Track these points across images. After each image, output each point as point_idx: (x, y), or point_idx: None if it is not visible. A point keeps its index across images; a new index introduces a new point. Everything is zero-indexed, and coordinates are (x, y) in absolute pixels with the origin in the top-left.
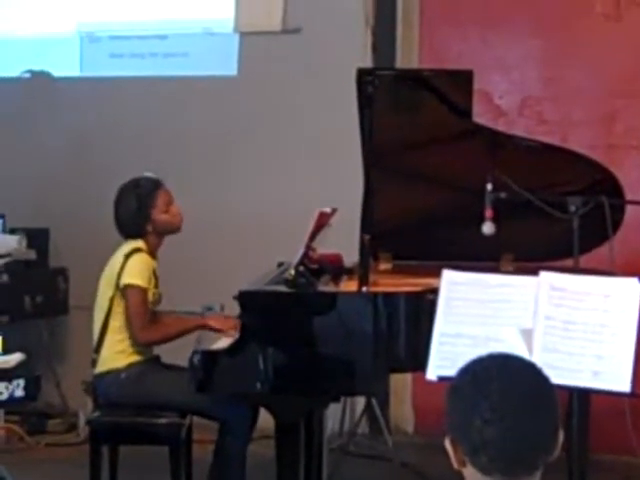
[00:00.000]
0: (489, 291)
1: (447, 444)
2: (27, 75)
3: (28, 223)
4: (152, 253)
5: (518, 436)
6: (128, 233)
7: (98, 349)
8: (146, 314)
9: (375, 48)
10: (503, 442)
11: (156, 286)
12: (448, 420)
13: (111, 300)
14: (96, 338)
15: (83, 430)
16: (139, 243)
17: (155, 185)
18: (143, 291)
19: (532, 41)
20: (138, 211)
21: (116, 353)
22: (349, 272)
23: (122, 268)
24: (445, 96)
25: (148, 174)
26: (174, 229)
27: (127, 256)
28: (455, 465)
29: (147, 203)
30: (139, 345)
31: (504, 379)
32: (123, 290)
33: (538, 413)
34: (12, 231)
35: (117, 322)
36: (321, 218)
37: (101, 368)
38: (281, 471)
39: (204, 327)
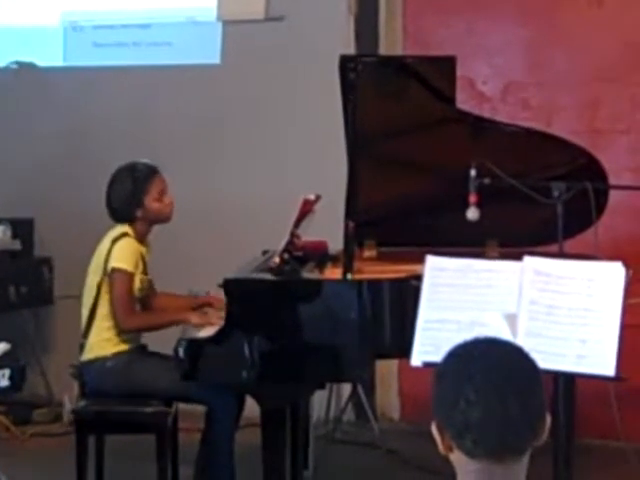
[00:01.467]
0: (473, 276)
1: (434, 429)
2: (14, 66)
3: (13, 213)
4: (140, 239)
5: (502, 419)
6: (118, 216)
7: (86, 336)
8: (130, 299)
9: (358, 35)
10: (487, 425)
11: (144, 272)
12: (434, 404)
13: (99, 286)
14: (84, 325)
15: (68, 416)
16: (126, 228)
17: (151, 171)
18: (129, 275)
19: (515, 27)
20: (131, 195)
21: (103, 341)
22: (334, 259)
23: (109, 253)
24: (428, 82)
25: (145, 160)
26: (164, 219)
27: (114, 241)
28: (442, 450)
29: (141, 188)
30: (121, 331)
31: (488, 361)
32: (110, 274)
33: (523, 396)
34: None
35: (104, 309)
36: (305, 205)
37: (88, 355)
38: (267, 459)
39: (185, 322)
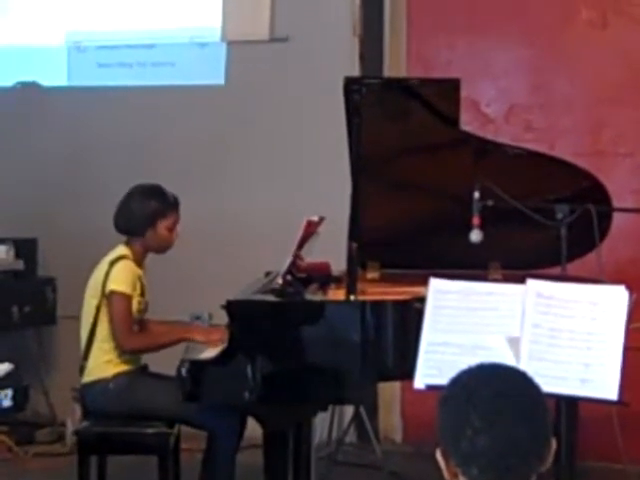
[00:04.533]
0: (476, 299)
1: (438, 456)
2: (18, 87)
3: (16, 233)
4: (137, 263)
5: (508, 445)
6: (128, 229)
7: (86, 358)
8: (130, 321)
9: (363, 57)
10: (494, 452)
11: (142, 294)
12: (439, 431)
13: (97, 308)
14: (83, 347)
15: (70, 438)
16: (124, 251)
17: (176, 202)
18: (127, 298)
19: (519, 49)
20: (152, 214)
21: (103, 363)
22: (337, 281)
23: (107, 275)
24: (432, 104)
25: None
26: (162, 249)
27: (112, 263)
28: (447, 477)
29: (162, 212)
30: (123, 353)
31: (493, 388)
32: (108, 297)
33: (528, 422)
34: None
35: (104, 331)
36: (309, 227)
37: (89, 378)
38: None
39: (188, 339)
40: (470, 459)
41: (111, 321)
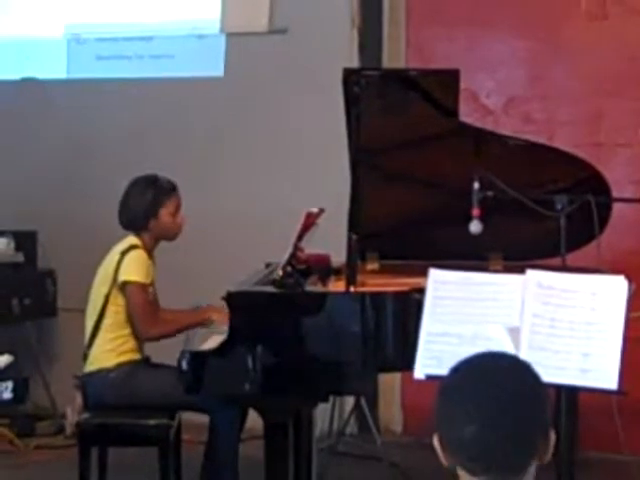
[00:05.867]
0: (476, 289)
1: (435, 442)
2: (17, 80)
3: (16, 225)
4: (148, 252)
5: (498, 435)
6: (131, 224)
7: (90, 346)
8: (151, 309)
9: (362, 48)
10: (483, 441)
11: (152, 284)
12: (436, 420)
13: (106, 297)
14: (88, 335)
15: (70, 427)
16: (135, 240)
17: (172, 187)
18: (144, 287)
19: (518, 40)
20: (150, 205)
21: (106, 352)
22: (337, 272)
23: (119, 265)
24: (431, 96)
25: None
26: (171, 235)
27: (124, 253)
28: (444, 463)
29: (160, 200)
30: (147, 340)
31: (490, 378)
32: (122, 287)
33: (522, 413)
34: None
35: (110, 320)
36: (309, 218)
37: (91, 367)
38: (270, 472)
39: (208, 320)
40: (460, 447)
41: (131, 312)
